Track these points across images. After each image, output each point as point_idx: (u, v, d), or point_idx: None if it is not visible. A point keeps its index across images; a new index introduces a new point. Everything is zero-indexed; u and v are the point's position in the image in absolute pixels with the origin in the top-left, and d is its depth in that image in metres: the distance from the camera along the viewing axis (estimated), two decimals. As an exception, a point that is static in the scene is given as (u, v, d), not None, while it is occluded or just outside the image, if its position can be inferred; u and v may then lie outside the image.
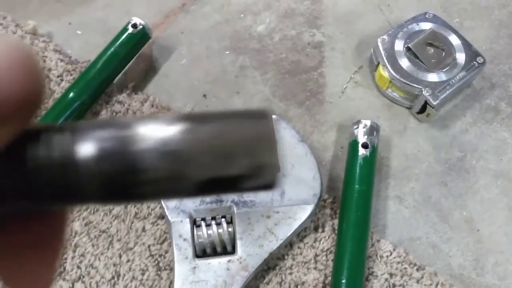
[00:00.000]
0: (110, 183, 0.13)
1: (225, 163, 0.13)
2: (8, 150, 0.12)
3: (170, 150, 0.13)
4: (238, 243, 0.43)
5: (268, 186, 0.14)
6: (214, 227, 0.43)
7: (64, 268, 0.42)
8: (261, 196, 0.45)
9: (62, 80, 0.53)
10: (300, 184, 0.46)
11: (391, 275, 0.45)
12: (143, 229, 0.45)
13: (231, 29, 0.59)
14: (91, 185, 0.12)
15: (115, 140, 0.13)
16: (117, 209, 0.46)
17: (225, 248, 0.43)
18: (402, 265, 0.45)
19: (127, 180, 0.13)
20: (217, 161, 0.13)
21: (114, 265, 0.43)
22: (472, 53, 0.54)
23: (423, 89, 0.51)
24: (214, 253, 0.43)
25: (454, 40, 0.55)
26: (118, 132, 0.13)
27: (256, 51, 0.57)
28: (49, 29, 0.57)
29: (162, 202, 0.44)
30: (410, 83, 0.52)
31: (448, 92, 0.52)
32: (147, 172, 0.13)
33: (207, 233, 0.43)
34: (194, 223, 0.44)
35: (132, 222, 0.45)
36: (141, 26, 0.53)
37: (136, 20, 0.53)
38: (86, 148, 0.12)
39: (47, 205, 0.13)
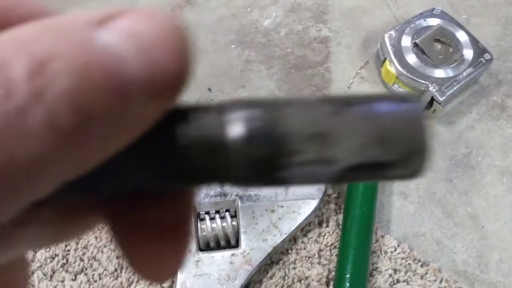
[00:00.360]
0: (258, 165, 0.12)
1: (375, 148, 0.12)
2: (158, 127, 0.12)
3: (319, 132, 0.12)
4: (242, 237, 0.43)
5: (415, 174, 0.13)
6: (218, 220, 0.43)
7: (67, 260, 0.42)
8: (266, 190, 0.45)
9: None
10: (304, 178, 0.46)
11: (395, 270, 0.45)
12: (147, 222, 0.45)
13: (237, 23, 0.59)
14: (239, 166, 0.12)
15: (265, 121, 0.12)
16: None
17: (229, 242, 0.43)
18: (406, 261, 0.45)
19: (275, 162, 0.12)
20: (367, 145, 0.12)
21: (117, 257, 0.43)
22: (479, 50, 0.53)
23: (429, 85, 0.51)
24: (218, 247, 0.43)
25: (461, 36, 0.54)
26: (268, 112, 0.12)
27: (262, 45, 0.57)
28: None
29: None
30: (417, 79, 0.52)
31: (455, 88, 0.51)
32: (295, 155, 0.12)
33: (211, 226, 0.43)
34: (198, 217, 0.44)
35: (136, 215, 0.45)
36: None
37: (142, 12, 0.53)
38: (236, 129, 0.12)
39: (192, 184, 0.13)
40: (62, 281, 0.41)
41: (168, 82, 0.11)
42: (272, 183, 0.13)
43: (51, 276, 0.41)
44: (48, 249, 0.42)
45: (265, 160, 0.12)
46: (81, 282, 0.42)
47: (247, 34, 0.58)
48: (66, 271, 0.42)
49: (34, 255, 0.42)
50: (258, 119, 0.12)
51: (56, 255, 0.42)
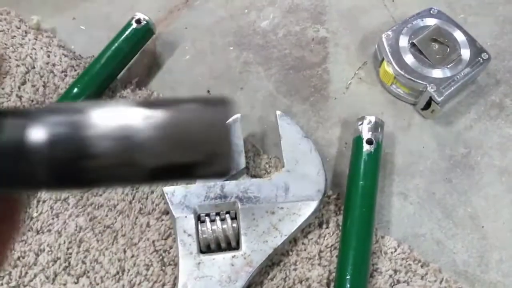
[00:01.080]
0: (60, 169, 0.12)
1: (179, 150, 0.13)
2: None
3: (122, 136, 0.12)
4: (243, 239, 0.43)
5: (222, 173, 0.14)
6: (218, 222, 0.43)
7: (69, 263, 0.42)
8: (266, 192, 0.45)
9: (66, 75, 0.53)
10: (304, 180, 0.46)
11: (395, 271, 0.45)
12: (148, 225, 0.45)
13: (235, 24, 0.59)
14: (42, 171, 0.12)
15: (67, 125, 0.12)
16: (122, 204, 0.46)
17: (230, 244, 0.43)
18: (406, 261, 0.45)
19: (78, 166, 0.12)
20: (171, 148, 0.13)
21: (119, 260, 0.43)
22: (477, 49, 0.54)
23: (427, 85, 0.51)
24: (219, 249, 0.43)
25: (459, 36, 0.55)
26: (71, 117, 0.12)
27: (260, 46, 0.57)
28: (53, 24, 0.57)
29: (167, 197, 0.44)
30: (415, 79, 0.52)
31: (453, 88, 0.51)
32: (99, 158, 0.12)
33: (211, 228, 0.43)
34: (199, 219, 0.44)
35: (136, 218, 0.45)
36: (145, 22, 0.53)
37: (140, 15, 0.53)
38: (38, 133, 0.12)
39: (8, 189, 0.13)
40: (65, 284, 0.41)
41: None
42: (79, 185, 0.13)
43: (53, 280, 0.41)
44: (50, 253, 0.42)
45: (67, 164, 0.12)
46: (83, 285, 0.42)
47: (245, 35, 0.58)
48: (68, 274, 0.42)
49: (36, 259, 0.42)
50: (61, 124, 0.12)
51: (58, 258, 0.42)
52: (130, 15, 0.53)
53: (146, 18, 0.53)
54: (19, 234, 0.15)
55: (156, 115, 0.13)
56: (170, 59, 0.56)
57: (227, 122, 0.13)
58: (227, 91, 0.54)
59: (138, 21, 0.53)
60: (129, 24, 0.53)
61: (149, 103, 0.13)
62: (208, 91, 0.54)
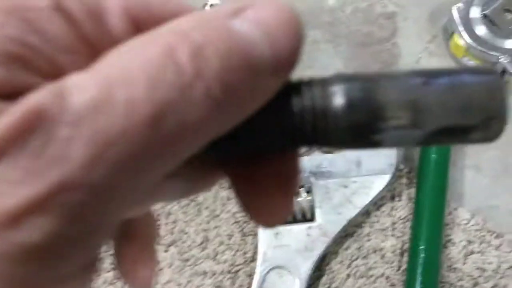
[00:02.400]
0: (356, 129, 0.15)
1: (459, 114, 0.14)
2: (278, 97, 0.15)
3: (410, 100, 0.14)
4: (317, 211, 0.45)
5: (494, 138, 0.15)
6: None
7: (158, 234, 0.46)
8: (338, 167, 0.47)
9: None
10: (376, 154, 0.47)
11: (469, 242, 0.46)
12: (228, 198, 0.48)
13: (303, 3, 0.60)
14: (341, 130, 0.15)
15: (362, 91, 0.15)
16: (203, 179, 0.49)
17: (305, 216, 0.46)
18: (480, 232, 0.46)
19: (371, 127, 0.15)
20: (452, 111, 0.14)
21: (204, 230, 0.46)
22: (554, 17, 0.52)
23: (500, 57, 0.51)
24: (295, 220, 0.46)
25: (534, 4, 0.53)
26: (364, 84, 0.15)
27: (328, 24, 0.58)
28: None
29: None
30: (487, 51, 0.51)
31: (527, 58, 0.50)
32: (390, 120, 0.14)
33: (288, 201, 0.45)
34: (275, 192, 0.46)
35: (217, 191, 0.48)
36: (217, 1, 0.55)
37: (213, 0, 0.55)
38: (338, 99, 0.15)
39: (303, 145, 0.16)
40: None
41: (287, 60, 0.14)
42: (367, 145, 0.15)
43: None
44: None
45: (363, 125, 0.14)
46: (172, 253, 0.46)
47: (312, 14, 0.59)
48: (159, 243, 0.46)
49: (132, 229, 0.47)
50: (357, 90, 0.15)
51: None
52: (202, 1, 0.56)
53: (219, 3, 0.55)
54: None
55: (437, 82, 0.14)
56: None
57: (503, 89, 0.14)
58: (296, 70, 0.56)
59: (212, 6, 0.55)
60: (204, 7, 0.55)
61: (427, 72, 0.15)
62: (278, 70, 0.56)
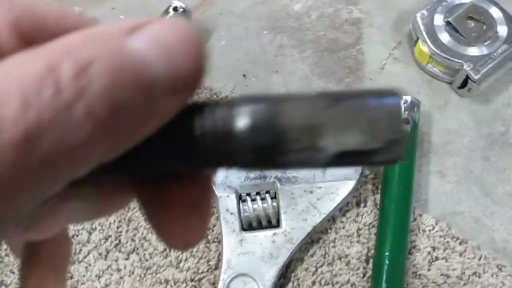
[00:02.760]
0: (260, 151, 0.14)
1: (359, 138, 0.14)
2: (179, 119, 0.14)
3: (311, 123, 0.14)
4: (283, 217, 0.44)
5: (395, 160, 0.15)
6: (259, 201, 0.45)
7: (120, 241, 0.45)
8: (304, 172, 0.46)
9: (107, 63, 0.55)
10: (342, 159, 0.46)
11: (434, 248, 0.45)
12: (191, 205, 0.47)
13: (269, 8, 0.60)
14: (245, 152, 0.14)
15: (266, 114, 0.14)
16: (165, 186, 0.48)
17: (270, 222, 0.45)
18: (444, 238, 0.46)
19: (275, 149, 0.14)
20: (352, 135, 0.14)
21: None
22: (514, 26, 0.53)
23: (464, 64, 0.51)
24: (260, 227, 0.45)
25: (495, 13, 0.54)
26: (269, 106, 0.14)
27: (294, 29, 0.58)
28: (93, 14, 0.59)
29: (209, 178, 0.45)
30: (451, 58, 0.52)
31: (489, 66, 0.51)
32: (292, 142, 0.14)
33: (252, 207, 0.44)
34: (240, 198, 0.45)
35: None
36: (181, 9, 0.54)
37: (177, 3, 0.54)
38: (242, 121, 0.14)
39: (208, 167, 0.16)
40: (116, 260, 0.44)
41: (186, 81, 0.13)
42: (272, 167, 0.15)
43: (106, 256, 0.44)
44: (102, 231, 0.45)
45: (266, 148, 0.14)
46: (133, 261, 0.44)
47: (278, 19, 0.59)
48: (119, 251, 0.44)
49: (89, 237, 0.45)
50: (261, 112, 0.14)
51: (110, 236, 0.45)
52: (167, 3, 0.55)
53: (183, 5, 0.54)
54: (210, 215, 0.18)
55: (339, 105, 0.14)
56: (206, 45, 0.57)
57: (401, 112, 0.14)
58: (262, 74, 0.55)
59: (175, 9, 0.54)
60: (166, 12, 0.54)
61: (330, 95, 0.15)
62: (244, 75, 0.55)
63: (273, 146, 0.14)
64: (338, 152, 0.14)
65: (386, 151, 0.14)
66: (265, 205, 0.45)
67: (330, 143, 0.14)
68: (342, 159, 0.14)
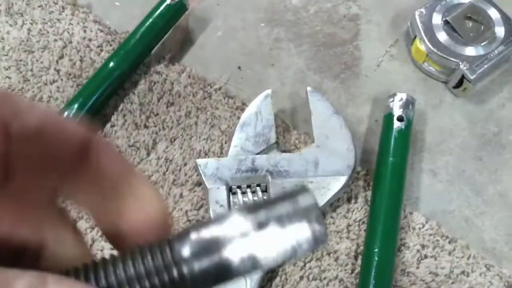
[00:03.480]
0: (201, 278, 0.16)
1: (282, 257, 0.16)
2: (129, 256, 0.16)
3: (251, 256, 0.16)
4: (273, 211, 0.44)
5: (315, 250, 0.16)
6: (249, 194, 0.44)
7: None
8: (295, 167, 0.46)
9: (102, 50, 0.54)
10: (334, 155, 0.46)
11: (423, 246, 0.45)
12: (181, 195, 0.46)
13: (266, 1, 0.59)
14: (189, 280, 0.16)
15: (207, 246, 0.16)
16: (156, 175, 0.47)
17: (260, 216, 0.45)
18: (434, 237, 0.46)
19: (211, 276, 0.16)
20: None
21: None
22: (511, 28, 0.53)
23: (460, 63, 0.51)
24: (249, 220, 0.44)
25: (493, 13, 0.54)
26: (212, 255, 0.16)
27: (291, 23, 0.58)
28: (89, 0, 0.58)
29: (200, 169, 0.45)
30: (447, 57, 0.52)
31: (486, 66, 0.51)
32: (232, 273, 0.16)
33: (242, 200, 0.44)
34: (230, 191, 0.45)
35: (170, 188, 0.46)
36: (178, -2, 0.54)
37: (174, -9, 0.54)
38: (185, 251, 0.16)
39: None
40: (101, 250, 0.43)
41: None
42: None
43: (91, 246, 0.43)
44: (88, 220, 0.44)
45: (206, 275, 0.16)
46: (119, 252, 0.44)
47: (276, 12, 0.58)
48: (106, 240, 0.44)
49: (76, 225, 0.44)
50: (201, 245, 0.16)
51: (96, 225, 0.44)
52: (164, -9, 0.54)
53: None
54: None
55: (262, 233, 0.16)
56: (202, 35, 0.57)
57: (318, 207, 0.16)
58: (258, 67, 0.55)
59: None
60: (162, 0, 0.54)
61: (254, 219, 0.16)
62: (239, 67, 0.55)
63: (211, 273, 0.16)
64: (273, 266, 0.16)
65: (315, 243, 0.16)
66: (255, 198, 0.44)
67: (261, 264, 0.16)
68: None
